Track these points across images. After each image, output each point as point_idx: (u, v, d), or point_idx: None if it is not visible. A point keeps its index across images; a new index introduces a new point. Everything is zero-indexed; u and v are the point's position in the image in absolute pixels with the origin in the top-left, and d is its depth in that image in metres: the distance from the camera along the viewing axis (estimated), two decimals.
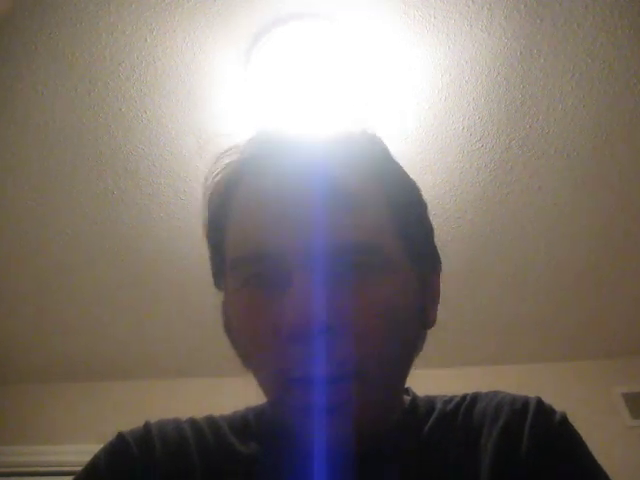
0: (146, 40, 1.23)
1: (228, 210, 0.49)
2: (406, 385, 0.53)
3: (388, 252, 0.45)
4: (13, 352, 2.31)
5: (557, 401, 0.53)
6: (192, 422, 0.53)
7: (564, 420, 0.50)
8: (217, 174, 0.53)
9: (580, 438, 0.49)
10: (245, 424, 0.53)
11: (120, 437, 0.50)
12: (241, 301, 0.46)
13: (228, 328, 0.51)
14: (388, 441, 0.48)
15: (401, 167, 0.52)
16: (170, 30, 1.21)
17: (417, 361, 0.50)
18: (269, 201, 0.45)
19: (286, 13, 1.18)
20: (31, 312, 2.07)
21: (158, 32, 1.21)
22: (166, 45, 1.23)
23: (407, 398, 0.55)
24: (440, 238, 0.54)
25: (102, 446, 0.50)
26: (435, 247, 0.53)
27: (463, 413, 0.52)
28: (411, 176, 0.53)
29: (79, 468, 0.49)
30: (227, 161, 0.53)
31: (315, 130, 0.51)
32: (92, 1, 1.15)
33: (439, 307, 0.53)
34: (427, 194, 0.54)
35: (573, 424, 0.50)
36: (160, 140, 1.46)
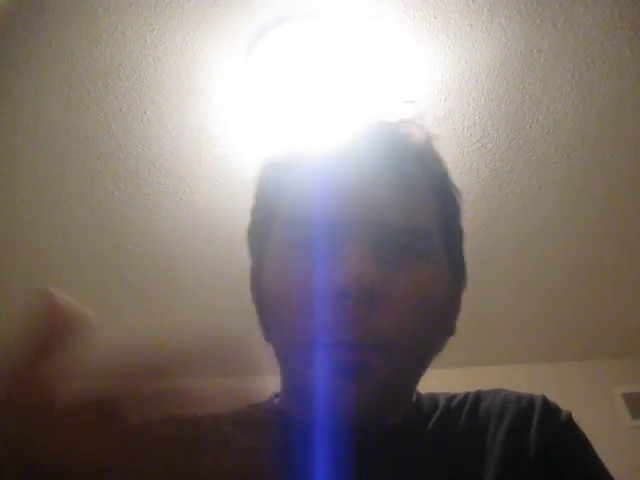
0: (146, 40, 1.23)
1: (287, 179, 0.52)
2: None
3: (434, 244, 0.48)
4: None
5: (557, 401, 0.53)
6: (192, 417, 0.53)
7: (570, 419, 0.50)
8: (278, 152, 0.56)
9: (585, 437, 0.50)
10: (247, 419, 0.53)
11: None
12: (290, 260, 0.47)
13: (259, 291, 0.53)
14: (393, 439, 0.48)
15: (450, 175, 0.55)
16: (170, 30, 1.21)
17: None
18: (337, 172, 0.48)
19: (285, 13, 1.18)
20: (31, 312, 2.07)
21: (158, 32, 1.21)
22: (166, 45, 1.23)
23: (412, 396, 0.55)
24: None
25: None
26: (465, 263, 0.56)
27: (467, 410, 0.52)
28: None
29: None
30: (288, 144, 0.57)
31: (375, 123, 0.53)
32: (92, 1, 1.16)
33: None
34: None
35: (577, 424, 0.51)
36: (160, 140, 1.46)
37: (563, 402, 0.53)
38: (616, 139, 1.47)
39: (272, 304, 0.49)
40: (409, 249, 0.46)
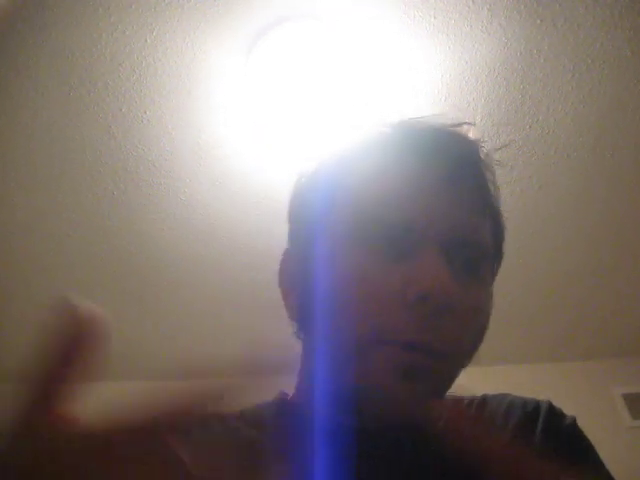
0: (146, 40, 1.23)
1: (358, 167, 0.50)
2: None
3: (491, 262, 0.49)
4: (13, 352, 2.31)
5: (557, 401, 0.53)
6: None
7: (574, 424, 0.50)
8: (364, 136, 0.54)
9: (589, 442, 0.50)
10: (256, 416, 0.53)
11: None
12: (361, 255, 0.45)
13: (301, 282, 0.50)
14: (399, 435, 0.48)
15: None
16: (170, 30, 1.21)
17: None
18: (412, 173, 0.47)
19: (285, 13, 1.18)
20: (31, 312, 2.07)
21: (158, 32, 1.21)
22: (166, 45, 1.23)
23: None
24: None
25: None
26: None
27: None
28: None
29: None
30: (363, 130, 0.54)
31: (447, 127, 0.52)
32: (92, 1, 1.15)
33: None
34: None
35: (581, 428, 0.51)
36: (160, 140, 1.46)
37: (563, 402, 0.53)
38: (616, 139, 1.47)
39: (329, 297, 0.47)
40: (474, 266, 0.46)
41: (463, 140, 0.50)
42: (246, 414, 0.53)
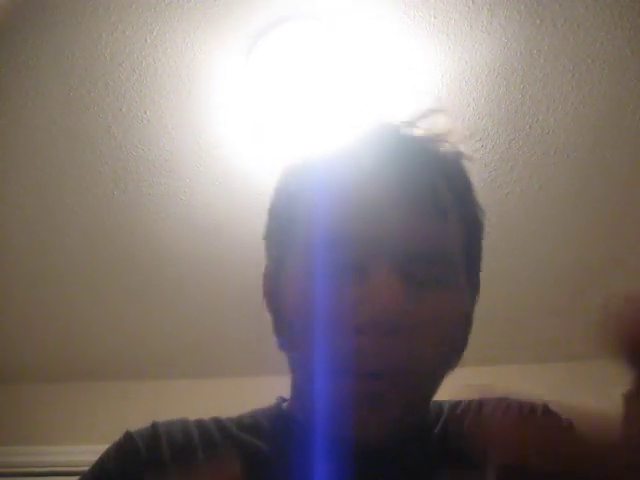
0: (146, 40, 1.23)
1: (312, 185, 0.49)
2: None
3: (458, 270, 0.47)
4: (13, 352, 2.31)
5: (557, 401, 0.53)
6: (199, 422, 0.53)
7: (571, 427, 0.50)
8: (306, 154, 0.54)
9: None
10: (254, 423, 0.53)
11: (128, 436, 0.50)
12: (312, 277, 0.45)
13: (275, 297, 0.51)
14: (396, 444, 0.48)
15: (475, 192, 0.54)
16: (170, 30, 1.21)
17: None
18: (361, 185, 0.46)
19: (285, 13, 1.18)
20: (31, 312, 2.07)
21: (158, 32, 1.21)
22: (166, 45, 1.23)
23: None
24: None
25: (110, 445, 0.50)
26: (480, 279, 0.55)
27: None
28: None
29: (79, 468, 0.49)
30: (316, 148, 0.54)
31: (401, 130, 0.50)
32: (92, 1, 1.15)
33: None
34: None
35: None
36: (160, 140, 1.46)
37: (563, 402, 0.53)
38: (616, 139, 1.47)
39: (289, 316, 0.48)
40: (435, 279, 0.45)
41: (420, 148, 0.48)
42: (245, 422, 0.54)
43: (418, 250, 0.44)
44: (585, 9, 1.18)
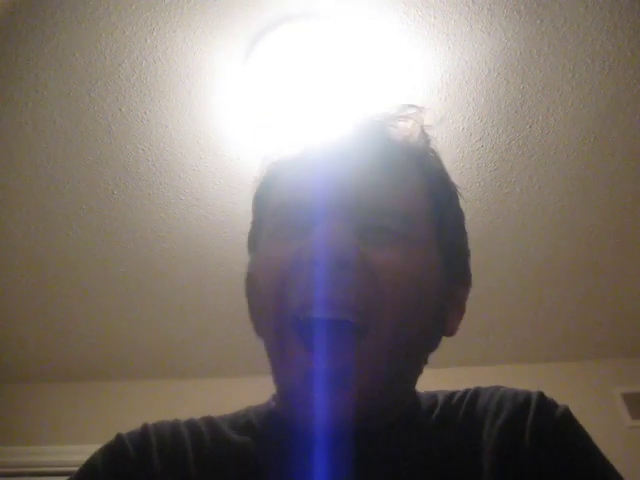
0: (146, 40, 1.23)
1: (276, 181, 0.53)
2: None
3: (420, 228, 0.47)
4: (14, 352, 2.31)
5: (557, 401, 0.53)
6: (190, 423, 0.53)
7: (566, 413, 0.50)
8: (273, 156, 0.57)
9: (583, 430, 0.49)
10: (246, 422, 0.53)
11: (118, 438, 0.50)
12: (268, 241, 0.49)
13: (249, 284, 0.54)
14: (392, 435, 0.48)
15: (447, 173, 0.55)
16: (170, 30, 1.21)
17: None
18: (324, 163, 0.48)
19: (286, 13, 1.18)
20: (32, 312, 2.07)
21: (158, 32, 1.21)
22: (166, 45, 1.23)
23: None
24: None
25: (99, 447, 0.50)
26: (469, 266, 0.55)
27: (465, 408, 0.52)
28: None
29: (78, 468, 0.49)
30: (282, 146, 0.57)
31: (367, 117, 0.53)
32: (92, 1, 1.15)
33: None
34: None
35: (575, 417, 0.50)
36: (160, 140, 1.46)
37: (563, 402, 0.53)
38: (616, 139, 1.47)
39: (257, 289, 0.49)
40: (390, 231, 0.46)
41: (381, 129, 0.51)
42: (237, 421, 0.54)
43: (369, 204, 0.46)
44: (585, 9, 1.18)
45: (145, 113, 1.38)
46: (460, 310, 0.54)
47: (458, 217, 0.55)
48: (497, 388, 0.54)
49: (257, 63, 1.24)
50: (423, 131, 0.53)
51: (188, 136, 1.44)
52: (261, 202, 0.55)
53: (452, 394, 0.55)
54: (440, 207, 0.51)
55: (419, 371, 0.52)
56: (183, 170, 1.54)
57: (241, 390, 1.40)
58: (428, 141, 0.54)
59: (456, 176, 1.57)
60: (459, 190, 0.55)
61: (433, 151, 0.54)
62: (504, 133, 1.45)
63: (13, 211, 1.67)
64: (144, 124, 1.41)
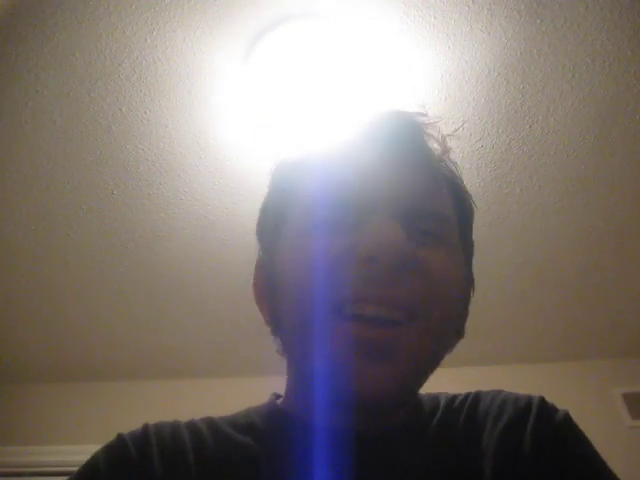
0: (146, 40, 1.23)
1: (308, 164, 0.51)
2: None
3: (453, 230, 0.49)
4: (13, 352, 2.31)
5: (557, 401, 0.53)
6: (190, 424, 0.53)
7: (567, 418, 0.50)
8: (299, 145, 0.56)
9: (583, 435, 0.50)
10: (248, 422, 0.53)
11: (119, 438, 0.50)
12: (311, 234, 0.46)
13: (266, 280, 0.51)
14: (395, 438, 0.48)
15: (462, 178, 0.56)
16: (170, 30, 1.20)
17: None
18: (361, 156, 0.48)
19: (286, 12, 1.18)
20: (32, 312, 2.07)
21: (158, 32, 1.21)
22: (166, 45, 1.23)
23: None
24: None
25: (100, 447, 0.50)
26: (472, 267, 0.56)
27: (467, 411, 0.52)
28: None
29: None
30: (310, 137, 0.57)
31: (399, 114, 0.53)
32: (92, 1, 1.15)
33: None
34: None
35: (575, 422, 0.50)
36: (160, 140, 1.46)
37: (563, 402, 0.53)
38: (616, 139, 1.47)
39: (286, 287, 0.47)
40: (435, 233, 0.46)
41: (409, 123, 0.51)
42: (239, 421, 0.54)
43: (414, 205, 0.45)
44: (585, 9, 1.18)
45: (145, 113, 1.39)
46: (469, 310, 0.55)
47: (471, 220, 0.56)
48: (498, 392, 0.54)
49: (257, 63, 1.24)
50: (445, 140, 0.54)
51: (188, 136, 1.44)
52: (283, 197, 0.52)
53: (454, 397, 0.55)
54: (462, 210, 0.52)
55: (437, 367, 0.52)
56: (183, 170, 1.54)
57: (240, 390, 1.40)
58: (449, 150, 0.54)
59: None
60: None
61: (453, 160, 0.55)
62: (504, 133, 1.46)
63: (13, 211, 1.67)
64: (144, 124, 1.41)
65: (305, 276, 0.44)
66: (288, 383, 0.54)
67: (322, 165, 0.50)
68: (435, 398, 0.55)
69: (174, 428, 0.52)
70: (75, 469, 0.49)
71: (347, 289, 0.42)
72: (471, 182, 1.59)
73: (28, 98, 1.34)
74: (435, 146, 0.52)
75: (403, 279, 0.41)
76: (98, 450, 0.50)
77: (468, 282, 0.52)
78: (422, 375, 0.46)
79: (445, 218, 0.48)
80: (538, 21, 1.20)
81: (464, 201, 0.54)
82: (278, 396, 0.57)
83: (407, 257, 0.41)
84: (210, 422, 0.53)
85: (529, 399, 0.52)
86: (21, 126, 1.41)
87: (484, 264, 1.87)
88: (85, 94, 1.34)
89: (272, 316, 0.51)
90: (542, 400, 0.52)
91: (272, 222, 0.53)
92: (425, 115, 0.52)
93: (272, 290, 0.50)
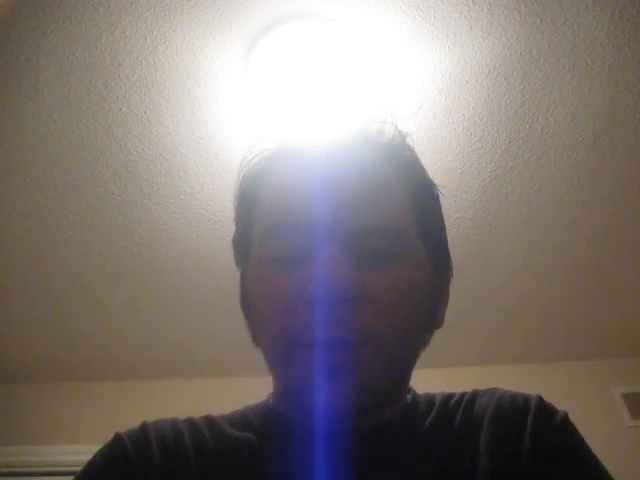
0: (146, 40, 1.23)
1: (261, 191, 0.53)
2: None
3: (409, 241, 0.48)
4: (13, 352, 2.31)
5: (557, 401, 0.53)
6: (189, 421, 0.53)
7: (565, 419, 0.50)
8: (253, 159, 0.57)
9: (581, 437, 0.49)
10: (245, 420, 0.54)
11: (117, 438, 0.50)
12: (268, 268, 0.48)
13: (245, 300, 0.55)
14: (389, 436, 0.48)
15: (425, 169, 0.56)
16: (170, 30, 1.21)
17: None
18: (303, 183, 0.48)
19: (286, 12, 1.18)
20: (31, 312, 2.07)
21: (158, 32, 1.21)
22: (166, 45, 1.23)
23: (408, 396, 0.55)
24: None
25: (100, 447, 0.50)
26: (449, 252, 0.56)
27: (463, 409, 0.52)
28: None
29: (79, 468, 0.49)
30: (261, 150, 0.57)
31: (346, 127, 0.54)
32: (92, 1, 1.15)
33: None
34: None
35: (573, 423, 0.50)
36: (160, 140, 1.46)
37: (563, 402, 0.53)
38: (616, 139, 1.47)
39: (255, 311, 0.50)
40: (383, 251, 0.46)
41: (360, 138, 0.51)
42: (236, 419, 0.54)
43: (358, 226, 0.46)
44: (585, 9, 1.18)
45: (145, 113, 1.39)
46: (446, 298, 0.55)
47: (437, 208, 0.55)
48: (495, 390, 0.54)
49: (257, 63, 1.24)
50: (398, 130, 0.54)
51: (188, 136, 1.44)
52: (246, 216, 0.56)
53: (450, 396, 0.55)
54: (422, 207, 0.51)
55: (413, 365, 0.52)
56: (183, 170, 1.54)
57: (240, 390, 1.40)
58: (403, 138, 0.54)
59: (456, 176, 1.57)
60: (435, 182, 0.56)
61: (409, 148, 0.54)
62: (504, 133, 1.46)
63: (13, 211, 1.67)
64: (144, 124, 1.41)
65: (266, 308, 0.48)
66: (274, 386, 0.55)
67: (273, 188, 0.51)
68: (431, 398, 0.55)
69: (173, 424, 0.52)
70: (75, 469, 0.49)
71: (300, 323, 0.44)
72: (471, 182, 1.59)
73: (28, 98, 1.34)
74: (389, 145, 0.52)
75: (351, 311, 0.43)
76: (96, 451, 0.50)
77: (434, 280, 0.51)
78: (394, 375, 0.48)
79: (392, 231, 0.47)
80: (538, 21, 1.20)
81: (425, 195, 0.53)
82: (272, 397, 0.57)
83: (350, 292, 0.43)
84: (208, 419, 0.54)
85: (526, 398, 0.51)
86: (21, 126, 1.41)
87: (483, 264, 1.87)
88: (85, 94, 1.34)
89: (250, 330, 0.54)
90: (540, 400, 0.51)
91: (241, 242, 0.57)
92: (383, 109, 0.53)
93: (247, 309, 0.54)
